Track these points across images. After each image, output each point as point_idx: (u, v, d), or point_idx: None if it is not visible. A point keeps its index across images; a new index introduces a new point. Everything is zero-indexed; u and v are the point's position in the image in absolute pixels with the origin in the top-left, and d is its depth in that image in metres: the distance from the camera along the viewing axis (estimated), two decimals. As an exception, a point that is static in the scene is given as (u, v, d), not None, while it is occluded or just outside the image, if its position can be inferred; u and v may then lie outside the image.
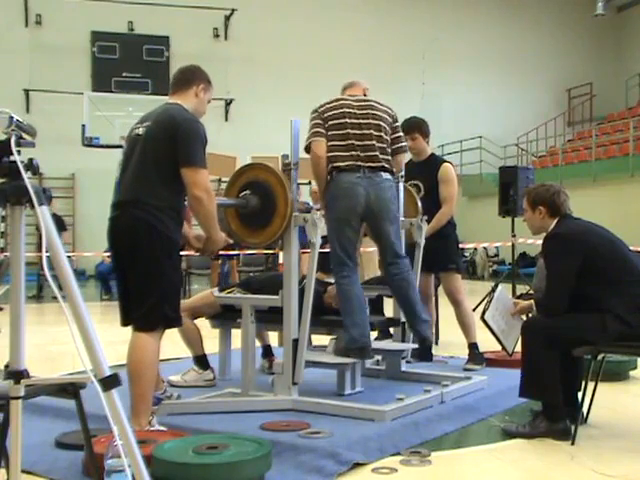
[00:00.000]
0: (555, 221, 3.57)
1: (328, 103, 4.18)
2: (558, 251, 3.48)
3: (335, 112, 4.12)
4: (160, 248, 3.26)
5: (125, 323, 3.43)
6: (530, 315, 3.78)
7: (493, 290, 3.94)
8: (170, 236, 3.30)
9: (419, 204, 5.00)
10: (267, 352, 4.89)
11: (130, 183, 3.33)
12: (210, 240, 3.47)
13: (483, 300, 6.94)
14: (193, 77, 3.59)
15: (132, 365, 3.28)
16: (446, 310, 5.75)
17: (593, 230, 3.57)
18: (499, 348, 5.63)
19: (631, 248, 3.60)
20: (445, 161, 5.43)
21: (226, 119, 17.25)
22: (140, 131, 3.41)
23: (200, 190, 3.25)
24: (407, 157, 4.85)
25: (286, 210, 3.77)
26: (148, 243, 3.24)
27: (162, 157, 3.29)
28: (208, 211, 3.33)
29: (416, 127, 5.26)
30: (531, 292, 6.28)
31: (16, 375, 1.84)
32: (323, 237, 4.01)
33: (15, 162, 1.83)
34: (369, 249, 8.66)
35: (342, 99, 4.22)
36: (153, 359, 3.32)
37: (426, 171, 5.23)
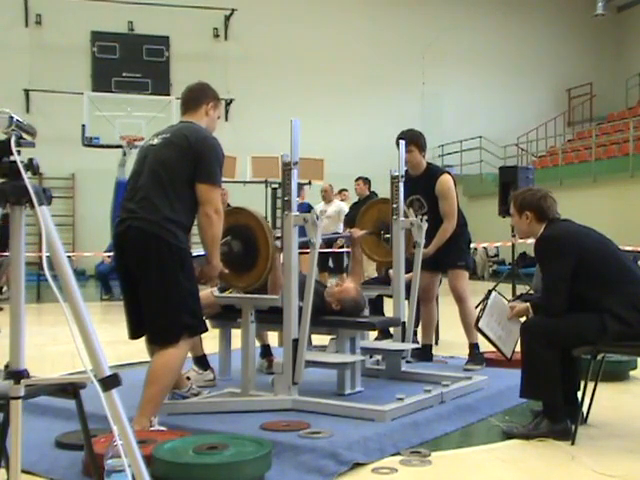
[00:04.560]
0: (543, 226, 3.58)
1: None
2: (550, 252, 3.48)
3: None
4: (171, 260, 3.28)
5: (134, 336, 3.46)
6: (527, 317, 3.77)
7: (487, 297, 3.92)
8: (180, 247, 3.32)
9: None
10: (266, 352, 4.89)
11: (144, 194, 3.34)
12: (210, 266, 3.48)
13: (481, 303, 6.93)
14: (202, 95, 3.64)
15: (154, 367, 3.30)
16: (446, 310, 5.75)
17: (584, 231, 3.58)
18: (499, 348, 5.65)
19: (631, 248, 3.60)
20: (442, 172, 5.31)
21: (226, 119, 17.23)
22: (155, 142, 3.45)
23: (212, 208, 3.31)
24: None
25: (268, 252, 3.81)
26: (159, 256, 3.26)
27: (178, 170, 3.33)
28: (215, 232, 3.38)
29: (412, 140, 5.13)
30: (531, 292, 6.28)
31: (16, 375, 1.84)
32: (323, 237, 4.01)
33: (15, 162, 1.83)
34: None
35: None
36: (176, 367, 3.37)
37: (425, 186, 5.16)
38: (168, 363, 3.31)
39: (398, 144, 5.00)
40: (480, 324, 3.79)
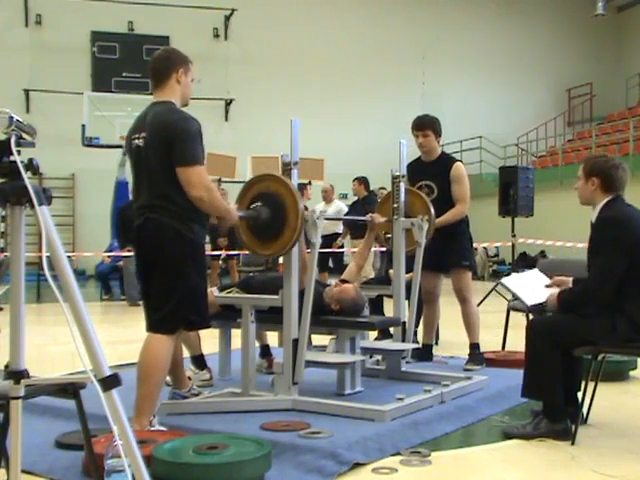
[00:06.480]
0: (607, 199, 3.37)
1: None
2: (613, 239, 3.27)
3: None
4: (184, 251, 3.27)
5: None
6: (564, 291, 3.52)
7: (496, 285, 3.89)
8: (194, 239, 3.31)
9: (431, 207, 4.92)
10: (265, 352, 4.89)
11: (148, 194, 3.32)
12: (224, 220, 3.50)
13: (484, 300, 6.93)
14: (169, 64, 3.41)
15: (143, 365, 3.29)
16: (446, 310, 5.75)
17: None
18: (499, 348, 5.65)
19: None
20: (456, 160, 5.37)
21: (226, 119, 17.25)
22: (140, 143, 3.37)
23: (197, 189, 3.20)
24: None
25: (297, 222, 3.71)
26: (172, 246, 3.25)
27: (168, 166, 3.25)
28: (212, 206, 3.31)
29: (429, 124, 5.22)
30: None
31: (16, 375, 1.84)
32: (323, 237, 4.00)
33: (15, 162, 1.83)
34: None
35: None
36: (165, 361, 3.34)
37: (438, 171, 5.20)
38: (156, 360, 3.28)
39: (414, 130, 5.13)
40: (504, 279, 3.68)
